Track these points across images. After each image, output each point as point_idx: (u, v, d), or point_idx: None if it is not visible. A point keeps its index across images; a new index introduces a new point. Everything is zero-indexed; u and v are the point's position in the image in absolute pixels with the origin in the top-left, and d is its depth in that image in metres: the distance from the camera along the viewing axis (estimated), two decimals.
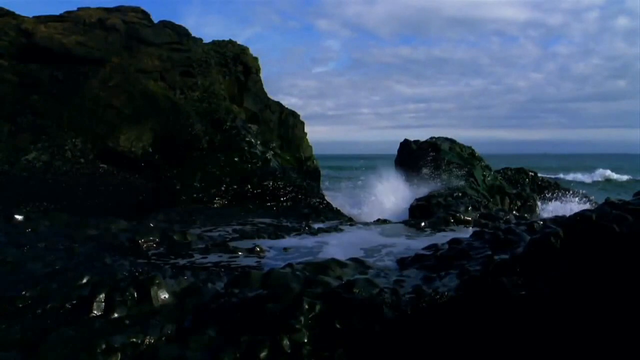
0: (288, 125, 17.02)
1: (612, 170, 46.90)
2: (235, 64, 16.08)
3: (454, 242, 5.28)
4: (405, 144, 17.30)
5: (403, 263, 5.20)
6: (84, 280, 4.39)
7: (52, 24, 12.81)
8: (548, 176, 19.19)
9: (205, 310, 3.74)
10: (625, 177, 44.10)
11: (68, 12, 13.64)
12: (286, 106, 17.54)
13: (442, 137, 16.87)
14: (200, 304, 3.89)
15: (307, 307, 3.35)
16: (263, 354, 3.03)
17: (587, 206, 10.62)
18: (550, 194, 14.55)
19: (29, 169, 10.56)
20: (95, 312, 3.80)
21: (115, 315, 3.77)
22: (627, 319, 2.35)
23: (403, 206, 11.30)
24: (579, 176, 43.40)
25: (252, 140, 12.99)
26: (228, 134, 12.82)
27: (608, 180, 41.88)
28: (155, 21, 14.54)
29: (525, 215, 11.35)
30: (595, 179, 43.38)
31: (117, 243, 6.64)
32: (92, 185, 10.73)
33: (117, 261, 5.53)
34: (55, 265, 5.16)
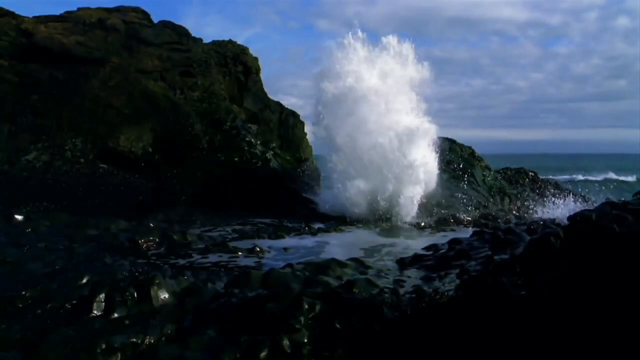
0: (288, 125, 16.99)
1: (614, 171, 46.83)
2: (235, 64, 16.06)
3: (454, 242, 5.29)
4: None
5: (403, 263, 5.20)
6: (84, 280, 4.39)
7: (52, 24, 12.79)
8: (548, 177, 19.13)
9: (205, 310, 3.74)
10: (627, 178, 43.97)
11: (68, 12, 13.63)
12: (286, 106, 17.54)
13: (442, 137, 16.82)
14: (200, 304, 3.89)
15: (307, 307, 3.35)
16: (263, 354, 3.03)
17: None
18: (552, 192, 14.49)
19: (29, 169, 10.55)
20: (95, 312, 3.80)
21: (115, 315, 3.78)
22: (627, 319, 2.35)
23: None
24: (580, 177, 43.35)
25: (252, 140, 12.98)
26: (228, 134, 12.81)
27: (609, 181, 41.81)
28: (155, 21, 14.53)
29: (525, 215, 11.34)
30: (596, 179, 43.33)
31: (117, 243, 6.64)
32: (92, 185, 10.72)
33: (117, 261, 5.53)
34: (55, 265, 5.16)
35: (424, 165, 8.40)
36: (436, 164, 8.68)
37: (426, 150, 8.42)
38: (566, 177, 39.09)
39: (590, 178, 42.94)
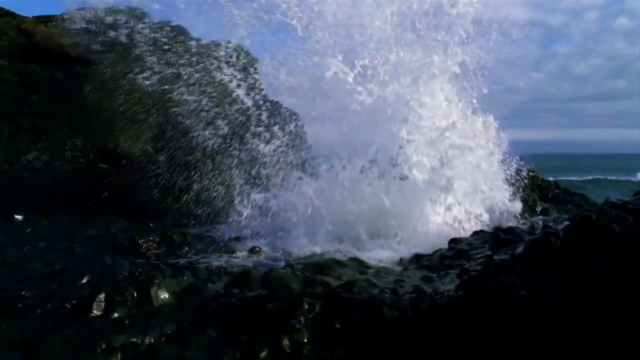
0: None
1: (615, 170, 46.85)
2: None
3: (454, 242, 5.29)
4: None
5: (403, 263, 5.21)
6: (84, 280, 4.39)
7: (52, 24, 12.79)
8: (549, 178, 19.07)
9: (205, 310, 3.74)
10: (628, 178, 43.97)
11: None
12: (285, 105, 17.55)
13: None
14: (200, 304, 3.89)
15: (307, 307, 3.35)
16: (263, 354, 3.03)
17: None
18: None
19: (29, 169, 10.54)
20: (95, 312, 3.80)
21: (115, 315, 3.78)
22: (627, 320, 2.35)
23: None
24: (579, 177, 43.37)
25: None
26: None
27: (610, 181, 41.82)
28: (155, 21, 14.55)
29: (526, 215, 11.33)
30: (596, 178, 43.40)
31: (117, 243, 6.64)
32: (92, 185, 10.70)
33: (117, 261, 5.53)
34: (55, 265, 5.15)
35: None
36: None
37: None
38: (566, 178, 38.97)
39: (599, 177, 42.87)
